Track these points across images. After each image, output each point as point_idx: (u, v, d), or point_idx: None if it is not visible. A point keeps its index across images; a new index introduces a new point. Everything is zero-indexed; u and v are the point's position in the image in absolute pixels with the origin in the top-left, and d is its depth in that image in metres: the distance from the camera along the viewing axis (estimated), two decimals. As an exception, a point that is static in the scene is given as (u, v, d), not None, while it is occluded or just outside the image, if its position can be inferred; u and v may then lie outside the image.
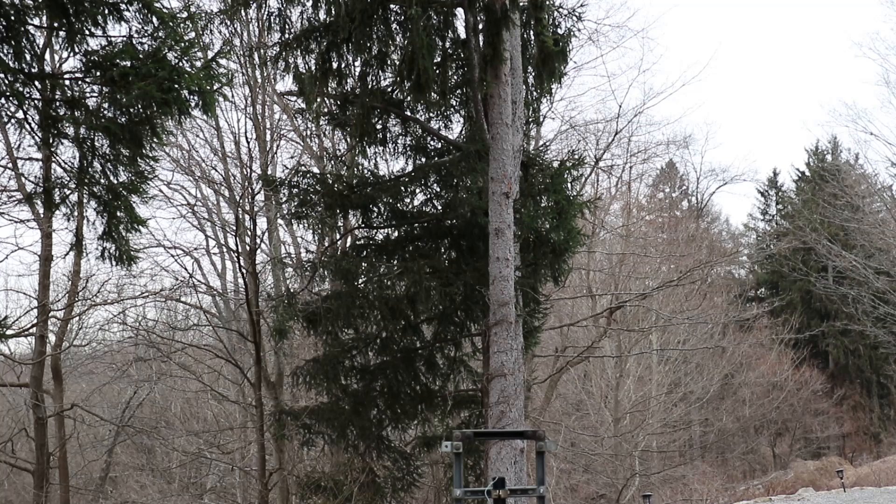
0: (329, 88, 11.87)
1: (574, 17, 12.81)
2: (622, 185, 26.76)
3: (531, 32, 12.05)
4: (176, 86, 7.16)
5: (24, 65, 7.14)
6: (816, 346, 43.62)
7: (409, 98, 12.20)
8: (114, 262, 7.89)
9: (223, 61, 9.64)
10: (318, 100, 12.18)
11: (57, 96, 7.29)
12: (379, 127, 12.75)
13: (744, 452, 37.07)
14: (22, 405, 19.97)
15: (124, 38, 7.26)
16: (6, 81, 7.00)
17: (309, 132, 18.27)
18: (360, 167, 13.88)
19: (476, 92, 11.52)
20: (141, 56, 7.12)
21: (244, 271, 16.55)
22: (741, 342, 34.35)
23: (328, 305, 12.41)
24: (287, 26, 11.49)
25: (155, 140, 7.52)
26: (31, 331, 15.89)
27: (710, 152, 70.43)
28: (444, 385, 13.18)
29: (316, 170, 16.81)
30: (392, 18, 11.31)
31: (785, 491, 24.79)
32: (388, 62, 11.98)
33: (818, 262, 37.02)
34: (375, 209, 12.91)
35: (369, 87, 12.26)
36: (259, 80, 17.44)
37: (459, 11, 11.77)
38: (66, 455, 17.08)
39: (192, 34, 7.62)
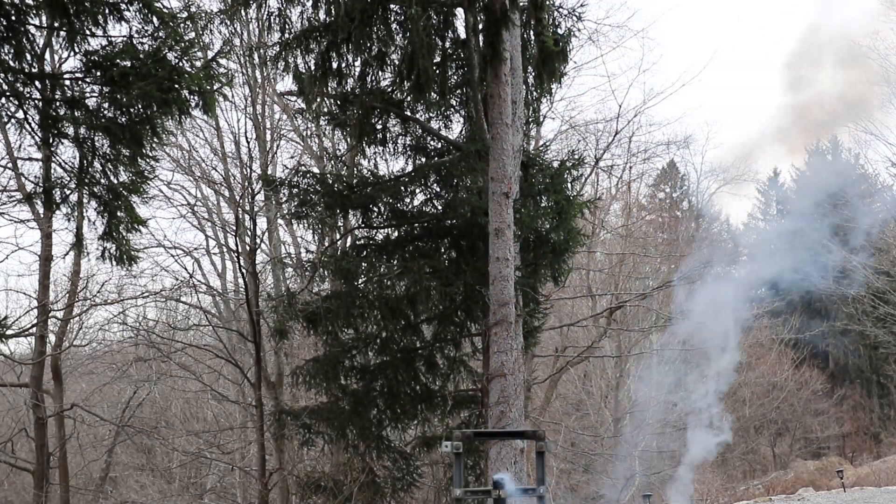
0: (329, 88, 11.87)
1: (574, 17, 12.84)
2: (622, 185, 26.74)
3: (531, 32, 12.05)
4: (176, 86, 7.17)
5: (24, 65, 7.14)
6: (816, 346, 43.60)
7: (409, 98, 12.21)
8: (114, 262, 7.91)
9: (223, 61, 9.64)
10: (318, 100, 12.18)
11: (57, 96, 7.30)
12: (379, 127, 12.75)
13: (744, 452, 37.04)
14: (22, 405, 19.94)
15: (124, 38, 7.27)
16: (6, 81, 7.00)
17: (309, 132, 18.27)
18: (360, 167, 13.89)
19: (476, 92, 11.52)
20: (141, 56, 7.13)
21: (244, 271, 16.54)
22: (741, 342, 34.29)
23: (328, 305, 12.42)
24: (287, 26, 11.49)
25: (155, 140, 7.54)
26: (31, 331, 15.87)
27: (710, 152, 70.45)
28: (444, 385, 13.19)
29: (316, 170, 16.81)
30: (392, 18, 11.31)
31: (785, 491, 24.79)
32: (388, 62, 11.98)
33: (818, 261, 36.96)
34: (375, 209, 12.92)
35: (369, 87, 12.27)
36: (259, 80, 17.44)
37: (459, 11, 11.77)
38: (66, 455, 17.06)
39: (192, 34, 7.63)
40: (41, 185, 8.45)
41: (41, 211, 14.63)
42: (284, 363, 17.59)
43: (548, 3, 12.13)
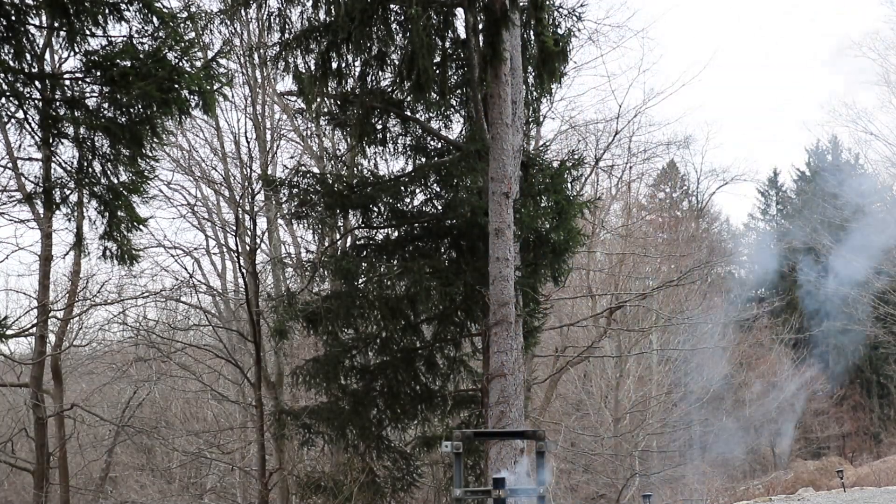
0: (329, 88, 11.88)
1: (574, 17, 12.84)
2: (622, 185, 26.77)
3: (531, 32, 12.06)
4: (176, 86, 7.17)
5: (24, 65, 7.14)
6: (816, 346, 43.61)
7: (409, 98, 12.21)
8: (115, 262, 7.91)
9: (223, 61, 9.65)
10: (318, 100, 12.19)
11: (57, 96, 7.30)
12: (379, 127, 12.76)
13: (744, 452, 37.03)
14: (22, 405, 19.94)
15: (124, 38, 7.26)
16: (6, 81, 7.00)
17: (309, 132, 18.27)
18: (360, 167, 13.89)
19: (476, 92, 11.52)
20: (141, 56, 7.13)
21: (244, 271, 16.54)
22: (741, 342, 34.34)
23: (328, 305, 12.42)
24: (287, 26, 11.49)
25: (155, 140, 7.54)
26: (31, 331, 15.86)
27: (710, 152, 70.48)
28: (444, 385, 13.19)
29: (316, 170, 16.81)
30: (392, 18, 11.32)
31: (785, 491, 24.80)
32: (388, 62, 11.99)
33: (818, 262, 37.01)
34: (375, 209, 12.92)
35: (369, 87, 12.27)
36: (259, 80, 17.43)
37: (459, 11, 11.78)
38: (66, 455, 17.05)
39: (192, 34, 7.63)
40: (41, 185, 8.45)
41: (41, 211, 14.63)
42: (284, 363, 17.58)
43: (548, 3, 12.13)
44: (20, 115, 7.25)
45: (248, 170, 17.17)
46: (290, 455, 16.09)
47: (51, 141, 7.45)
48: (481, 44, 11.05)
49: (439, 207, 13.11)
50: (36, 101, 7.32)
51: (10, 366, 19.02)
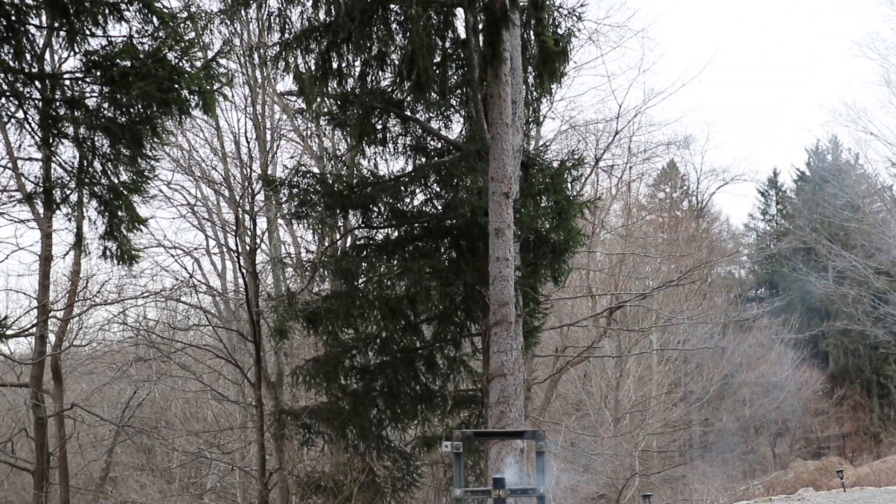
0: (329, 88, 11.87)
1: (574, 17, 12.84)
2: (622, 185, 26.78)
3: (531, 32, 12.06)
4: (176, 86, 7.17)
5: (24, 65, 7.14)
6: (816, 346, 43.60)
7: (409, 98, 12.21)
8: (116, 262, 7.90)
9: (223, 61, 9.63)
10: (318, 100, 12.18)
11: (57, 96, 7.29)
12: (379, 127, 12.75)
13: (744, 452, 37.03)
14: (22, 405, 19.94)
15: (124, 38, 7.26)
16: (6, 81, 7.00)
17: (309, 132, 18.28)
18: (360, 167, 13.89)
19: (476, 92, 11.52)
20: (141, 56, 7.13)
21: (244, 271, 16.55)
22: (741, 342, 34.35)
23: (328, 305, 12.42)
24: (287, 26, 11.48)
25: (155, 140, 7.53)
26: (31, 331, 15.85)
27: (710, 152, 70.49)
28: (444, 385, 13.19)
29: (316, 170, 16.81)
30: (392, 18, 11.31)
31: (785, 491, 24.80)
32: (388, 62, 11.98)
33: (818, 262, 37.03)
34: (375, 209, 12.92)
35: (369, 87, 12.27)
36: (259, 80, 17.44)
37: (459, 11, 11.78)
38: (66, 455, 17.05)
39: (192, 34, 7.63)
40: (41, 185, 8.44)
41: (41, 211, 14.63)
42: (284, 363, 17.58)
43: (548, 3, 12.13)
44: (20, 115, 7.25)
45: (248, 170, 17.18)
46: (290, 455, 16.09)
47: (51, 141, 7.45)
48: (481, 44, 11.04)
49: (439, 207, 13.11)
50: (36, 101, 7.32)
51: (10, 366, 19.01)
